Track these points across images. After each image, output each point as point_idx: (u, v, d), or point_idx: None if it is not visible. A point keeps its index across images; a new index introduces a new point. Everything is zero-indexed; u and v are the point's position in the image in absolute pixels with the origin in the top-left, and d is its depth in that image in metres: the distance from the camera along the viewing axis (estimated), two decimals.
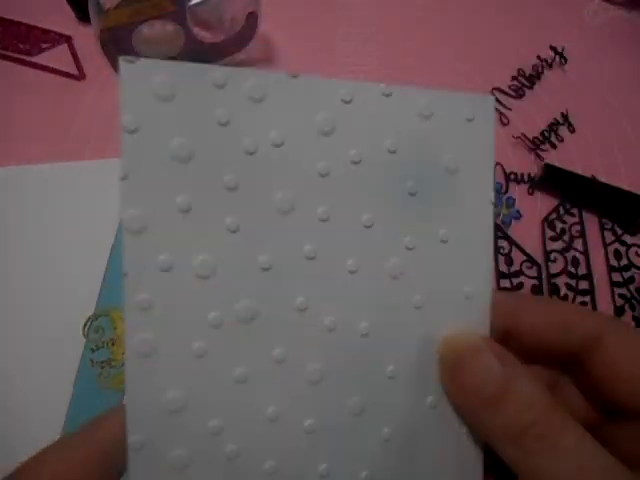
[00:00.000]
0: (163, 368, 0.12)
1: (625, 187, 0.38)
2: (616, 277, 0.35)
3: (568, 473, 0.12)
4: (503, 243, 0.35)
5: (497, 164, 0.39)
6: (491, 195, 0.15)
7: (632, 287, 0.34)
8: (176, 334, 0.12)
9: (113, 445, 0.13)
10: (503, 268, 0.34)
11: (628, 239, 0.36)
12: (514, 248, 0.35)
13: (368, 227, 0.14)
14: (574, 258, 0.35)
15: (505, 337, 0.16)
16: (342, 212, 0.14)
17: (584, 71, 0.47)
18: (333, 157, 0.14)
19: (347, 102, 0.14)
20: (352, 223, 0.14)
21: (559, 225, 0.37)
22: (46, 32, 0.46)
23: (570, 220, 0.37)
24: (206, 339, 0.13)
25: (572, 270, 0.35)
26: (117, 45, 0.41)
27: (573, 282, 0.34)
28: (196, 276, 0.12)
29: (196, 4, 0.41)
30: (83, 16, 0.48)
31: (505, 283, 0.34)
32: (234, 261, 0.13)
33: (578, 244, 0.36)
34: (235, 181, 0.13)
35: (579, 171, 0.39)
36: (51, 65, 0.46)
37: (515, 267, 0.35)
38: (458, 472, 0.15)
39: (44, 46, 0.45)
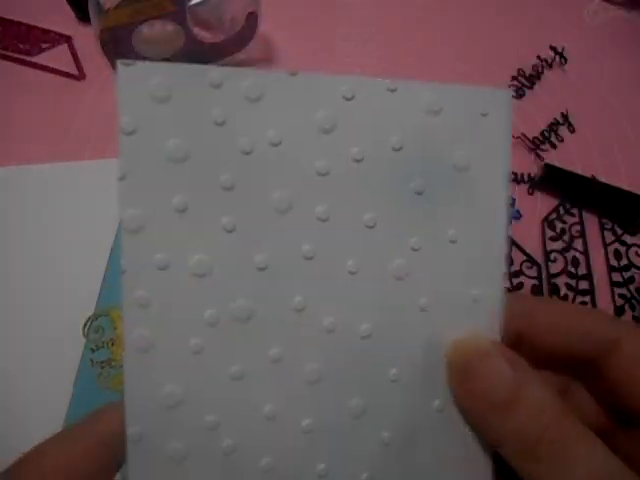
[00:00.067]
0: (160, 364, 0.13)
1: (625, 187, 0.38)
2: (616, 277, 0.35)
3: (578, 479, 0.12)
4: None
5: None
6: (506, 194, 0.14)
7: (632, 287, 0.34)
8: (173, 331, 0.13)
9: (112, 437, 0.13)
10: None
11: (628, 239, 0.36)
12: (514, 248, 0.35)
13: (370, 227, 0.14)
14: (574, 258, 0.35)
15: (517, 341, 0.15)
16: (343, 212, 0.14)
17: (584, 71, 0.47)
18: (333, 155, 0.13)
19: (349, 99, 0.13)
20: (353, 223, 0.14)
21: (559, 225, 0.37)
22: (46, 32, 0.46)
23: (570, 220, 0.37)
24: (202, 336, 0.13)
25: (572, 270, 0.35)
26: (117, 45, 0.41)
27: (573, 282, 0.34)
28: (192, 275, 0.13)
29: (196, 4, 0.41)
30: (83, 16, 0.48)
31: (505, 283, 0.34)
32: (230, 260, 0.13)
33: (578, 244, 0.36)
34: (231, 181, 0.13)
35: (579, 171, 0.39)
36: (51, 65, 0.46)
37: (515, 267, 0.35)
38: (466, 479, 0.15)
39: (44, 46, 0.45)
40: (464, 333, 0.14)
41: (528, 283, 0.34)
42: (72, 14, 0.50)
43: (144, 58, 0.42)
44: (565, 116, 0.43)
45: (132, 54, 0.42)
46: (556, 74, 0.47)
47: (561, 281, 0.34)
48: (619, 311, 0.33)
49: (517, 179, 0.39)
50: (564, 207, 0.37)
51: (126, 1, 0.40)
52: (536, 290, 0.34)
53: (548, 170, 0.39)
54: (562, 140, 0.42)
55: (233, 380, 0.13)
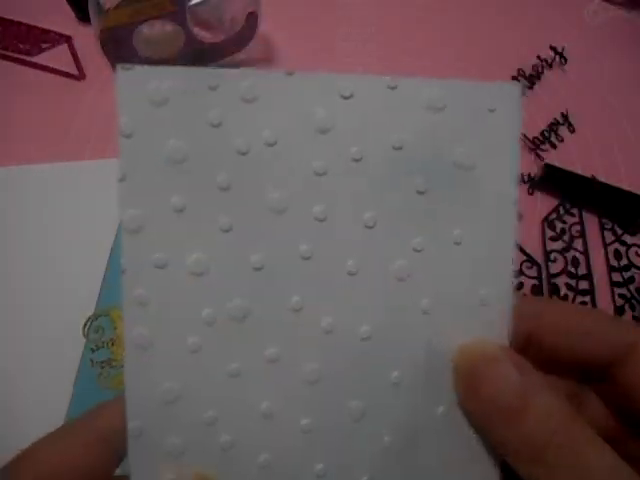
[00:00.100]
0: (159, 361, 0.13)
1: (625, 187, 0.38)
2: (616, 277, 0.35)
3: None
4: None
5: None
6: (513, 194, 0.14)
7: (632, 287, 0.34)
8: (171, 329, 0.13)
9: (113, 432, 0.13)
10: None
11: (628, 239, 0.36)
12: None
13: (370, 227, 0.14)
14: (574, 258, 0.35)
15: (524, 344, 0.15)
16: (341, 212, 0.13)
17: (584, 71, 0.47)
18: (331, 155, 0.13)
19: (347, 97, 0.13)
20: (352, 223, 0.13)
21: (559, 225, 0.37)
22: (46, 32, 0.46)
23: (570, 220, 0.37)
24: (200, 335, 0.13)
25: (572, 270, 0.35)
26: (117, 45, 0.41)
27: (573, 282, 0.34)
28: (190, 274, 0.13)
29: (196, 4, 0.41)
30: (83, 16, 0.48)
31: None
32: (227, 260, 0.13)
33: (578, 244, 0.36)
34: (228, 181, 0.13)
35: (579, 171, 0.39)
36: (51, 65, 0.46)
37: (515, 267, 0.34)
38: None
39: (44, 46, 0.45)
40: (471, 337, 0.14)
41: (528, 283, 0.34)
42: (72, 14, 0.50)
43: (144, 58, 0.43)
44: (565, 116, 0.43)
45: (132, 54, 0.42)
46: (556, 74, 0.47)
47: (561, 281, 0.34)
48: (619, 311, 0.33)
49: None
50: (564, 207, 0.37)
51: (126, 1, 0.40)
52: (536, 290, 0.34)
53: (548, 170, 0.39)
54: (562, 140, 0.42)
55: (231, 377, 0.13)
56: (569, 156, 0.41)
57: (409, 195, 0.14)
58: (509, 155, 0.14)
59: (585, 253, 0.35)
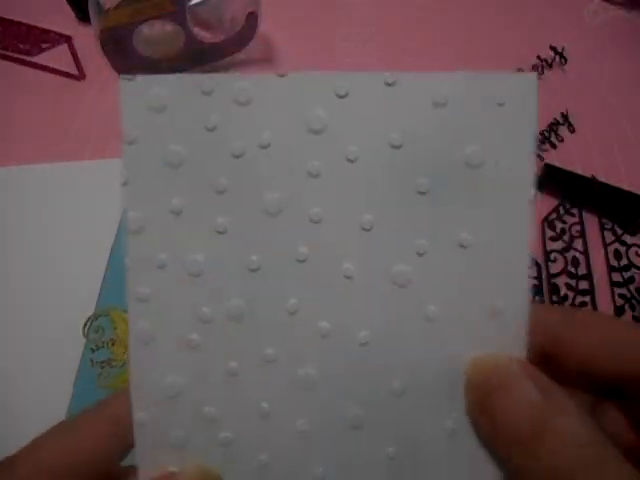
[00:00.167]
0: (160, 356, 0.13)
1: (625, 187, 0.38)
2: (616, 277, 0.35)
3: None
4: None
5: None
6: (530, 192, 0.13)
7: (632, 287, 0.34)
8: (171, 326, 0.13)
9: (121, 423, 0.14)
10: None
11: (628, 239, 0.36)
12: None
13: (367, 230, 0.13)
14: (574, 258, 0.35)
15: (543, 359, 0.13)
16: (337, 214, 0.13)
17: (584, 71, 0.47)
18: (325, 156, 0.13)
19: (342, 96, 0.13)
20: (348, 225, 0.13)
21: (559, 225, 0.37)
22: (46, 32, 0.46)
23: (570, 220, 0.37)
24: (198, 333, 0.13)
25: (572, 270, 0.35)
26: (117, 45, 0.41)
27: (573, 282, 0.34)
28: (188, 274, 0.13)
29: (196, 4, 0.41)
30: (83, 16, 0.48)
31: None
32: (223, 261, 0.13)
33: (578, 244, 0.36)
34: (223, 184, 0.13)
35: (579, 171, 0.39)
36: (51, 65, 0.46)
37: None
38: None
39: (44, 46, 0.45)
40: (483, 349, 0.13)
41: None
42: (72, 14, 0.50)
43: (144, 58, 0.43)
44: (565, 116, 0.43)
45: (132, 54, 0.42)
46: (556, 74, 0.47)
47: (561, 281, 0.34)
48: (619, 311, 0.33)
49: None
50: (564, 207, 0.37)
51: (126, 1, 0.40)
52: (536, 290, 0.34)
53: (548, 170, 0.39)
54: (562, 140, 0.42)
55: (229, 376, 0.13)
56: (569, 156, 0.41)
57: (409, 196, 0.13)
58: (523, 151, 0.13)
59: (585, 253, 0.35)
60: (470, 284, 0.13)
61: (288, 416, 0.14)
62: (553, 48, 0.47)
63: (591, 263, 0.35)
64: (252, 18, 0.43)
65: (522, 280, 0.13)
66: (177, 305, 0.13)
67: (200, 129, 0.13)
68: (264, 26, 0.44)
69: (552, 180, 0.39)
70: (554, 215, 0.37)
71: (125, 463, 0.15)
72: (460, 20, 0.52)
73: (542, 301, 0.34)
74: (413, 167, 0.13)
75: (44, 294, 0.33)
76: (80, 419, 0.15)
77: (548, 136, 0.42)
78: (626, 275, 0.35)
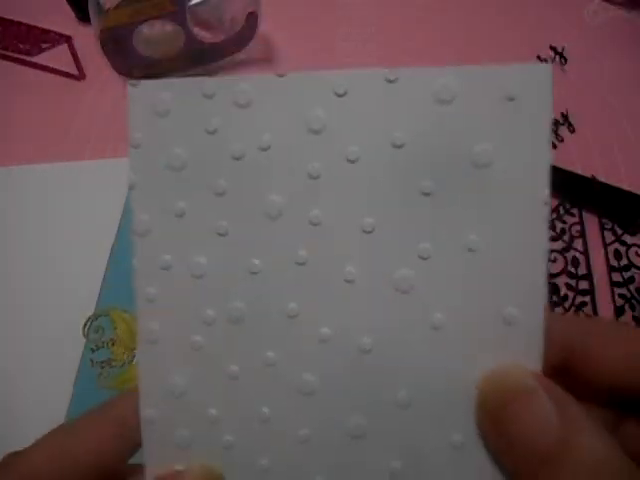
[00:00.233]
0: (166, 356, 0.14)
1: (625, 187, 0.38)
2: (616, 277, 0.35)
3: None
4: None
5: None
6: (544, 193, 0.12)
7: (632, 287, 0.34)
8: (175, 327, 0.13)
9: (127, 423, 0.14)
10: None
11: (628, 239, 0.36)
12: None
13: (368, 232, 0.13)
14: (574, 258, 0.35)
15: (558, 371, 0.12)
16: (337, 216, 0.13)
17: (584, 71, 0.47)
18: (325, 157, 0.13)
19: (341, 95, 0.13)
20: (349, 228, 0.13)
21: (559, 225, 0.37)
22: (46, 32, 0.46)
23: (570, 220, 0.37)
24: (201, 334, 0.13)
25: (572, 270, 0.35)
26: (117, 45, 0.41)
27: (573, 282, 0.34)
28: (191, 276, 0.13)
29: (196, 4, 0.41)
30: (83, 16, 0.48)
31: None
32: (224, 264, 0.13)
33: (578, 244, 0.36)
34: (224, 187, 0.13)
35: (579, 171, 0.39)
36: (51, 65, 0.46)
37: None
38: None
39: (44, 46, 0.46)
40: (495, 360, 0.12)
41: None
42: (72, 14, 0.50)
43: (144, 58, 0.43)
44: (565, 116, 0.43)
45: (132, 54, 0.42)
46: (556, 74, 0.47)
47: (561, 281, 0.34)
48: (619, 311, 0.33)
49: None
50: (564, 207, 0.37)
51: (126, 1, 0.40)
52: None
53: None
54: (562, 140, 0.42)
55: (230, 379, 0.13)
56: (569, 156, 0.41)
57: (412, 197, 0.13)
58: (537, 149, 0.12)
59: (585, 253, 0.35)
60: (479, 290, 0.12)
61: (289, 422, 0.13)
62: (553, 48, 0.47)
63: (591, 263, 0.35)
64: (252, 18, 0.43)
65: (537, 287, 0.12)
66: (182, 306, 0.13)
67: (201, 132, 0.13)
68: (264, 26, 0.44)
69: (552, 180, 0.39)
70: (554, 215, 0.37)
71: (131, 462, 0.15)
72: (460, 20, 0.52)
73: None
74: (416, 167, 0.13)
75: (44, 294, 0.33)
76: (85, 420, 0.15)
77: None
78: (626, 275, 0.35)
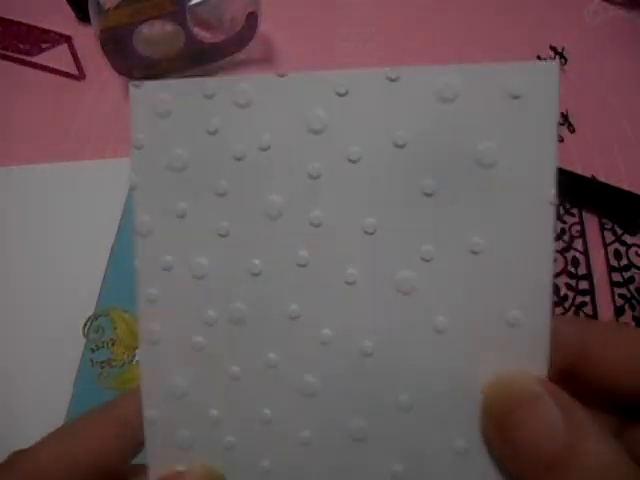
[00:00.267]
0: (168, 356, 0.14)
1: (625, 187, 0.38)
2: (616, 277, 0.35)
3: None
4: None
5: None
6: (550, 193, 0.12)
7: (632, 287, 0.34)
8: (177, 328, 0.13)
9: (129, 423, 0.14)
10: None
11: (628, 239, 0.36)
12: None
13: (370, 233, 0.13)
14: (574, 258, 0.35)
15: (563, 376, 0.12)
16: (338, 217, 0.13)
17: (584, 71, 0.47)
18: (326, 157, 0.13)
19: (342, 94, 0.12)
20: (350, 229, 0.13)
21: (559, 225, 0.37)
22: (46, 32, 0.46)
23: (570, 220, 0.37)
24: (203, 335, 0.13)
25: (572, 270, 0.35)
26: (117, 45, 0.41)
27: (573, 282, 0.34)
28: (192, 276, 0.13)
29: (196, 4, 0.41)
30: (83, 16, 0.48)
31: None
32: (225, 264, 0.13)
33: (578, 244, 0.36)
34: (225, 187, 0.13)
35: (579, 171, 0.39)
36: (51, 65, 0.46)
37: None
38: None
39: (44, 46, 0.46)
40: (499, 364, 0.12)
41: None
42: (72, 14, 0.50)
43: (144, 58, 0.43)
44: (565, 116, 0.43)
45: (132, 54, 0.42)
46: None
47: (561, 281, 0.34)
48: (619, 311, 0.33)
49: None
50: (564, 207, 0.37)
51: (126, 1, 0.40)
52: None
53: None
54: (562, 140, 0.42)
55: (232, 380, 0.13)
56: (569, 156, 0.41)
57: (414, 197, 0.12)
58: (543, 148, 0.12)
59: (585, 253, 0.35)
60: (483, 293, 0.12)
61: (290, 423, 0.13)
62: (553, 48, 0.47)
63: (591, 263, 0.35)
64: (252, 18, 0.43)
65: (543, 288, 0.12)
66: (183, 307, 0.13)
67: (202, 133, 0.13)
68: (264, 26, 0.44)
69: None
70: None
71: (134, 462, 0.15)
72: (460, 20, 0.52)
73: None
74: (418, 167, 0.12)
75: (44, 294, 0.33)
76: (86, 420, 0.15)
77: None
78: (626, 275, 0.35)
